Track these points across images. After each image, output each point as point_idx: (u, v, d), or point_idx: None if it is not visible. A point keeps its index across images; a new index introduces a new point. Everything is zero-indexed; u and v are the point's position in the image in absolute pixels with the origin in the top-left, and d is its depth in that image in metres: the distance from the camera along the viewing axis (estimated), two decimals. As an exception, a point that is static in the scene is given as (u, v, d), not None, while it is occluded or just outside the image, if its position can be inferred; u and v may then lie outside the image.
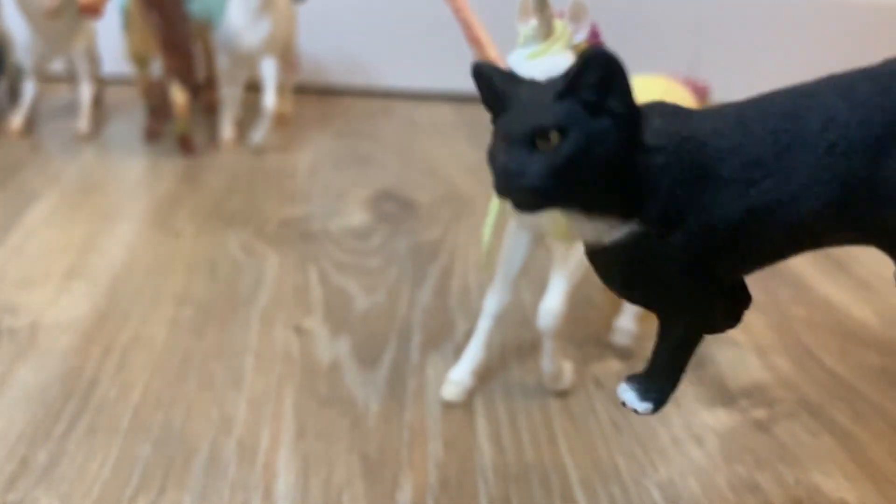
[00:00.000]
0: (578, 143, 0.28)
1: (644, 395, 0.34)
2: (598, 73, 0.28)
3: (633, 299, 0.34)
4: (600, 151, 0.28)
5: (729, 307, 0.34)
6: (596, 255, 0.32)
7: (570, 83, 0.29)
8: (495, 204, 0.49)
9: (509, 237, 0.53)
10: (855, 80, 0.30)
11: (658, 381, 0.34)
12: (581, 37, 0.43)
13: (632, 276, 0.31)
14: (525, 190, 0.29)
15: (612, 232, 0.30)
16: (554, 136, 0.28)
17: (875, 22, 1.26)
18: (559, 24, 0.43)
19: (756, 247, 0.30)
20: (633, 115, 0.29)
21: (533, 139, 0.29)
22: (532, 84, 0.31)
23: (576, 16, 0.43)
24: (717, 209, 0.29)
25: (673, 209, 0.29)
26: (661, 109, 0.31)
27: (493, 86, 0.32)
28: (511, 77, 0.32)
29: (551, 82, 0.30)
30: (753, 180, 0.29)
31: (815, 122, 0.29)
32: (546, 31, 0.42)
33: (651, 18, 1.25)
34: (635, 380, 0.34)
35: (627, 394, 0.34)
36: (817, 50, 1.27)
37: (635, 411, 0.34)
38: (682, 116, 0.31)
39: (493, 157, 0.30)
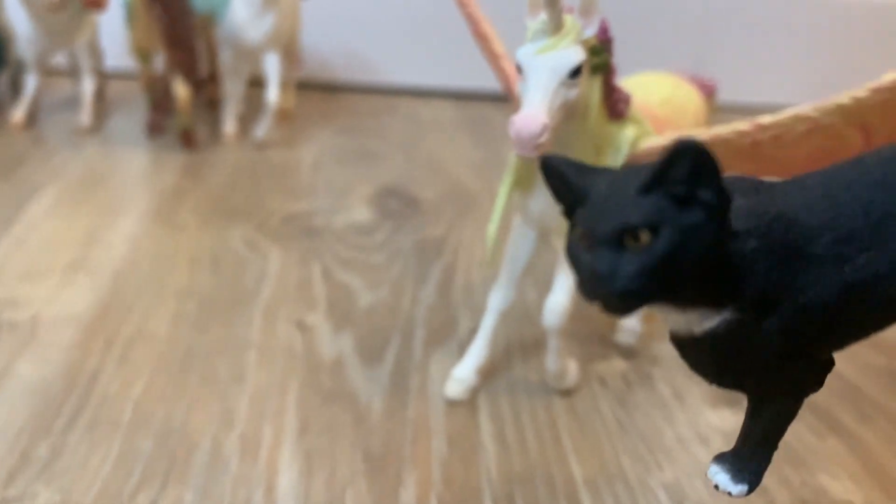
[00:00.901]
0: (672, 241, 0.26)
1: (738, 476, 0.32)
2: (688, 165, 0.26)
3: (725, 385, 0.31)
4: (695, 247, 0.26)
5: (819, 371, 0.32)
6: (685, 344, 0.30)
7: (657, 176, 0.27)
8: (501, 200, 0.49)
9: (514, 234, 0.53)
10: None
11: (751, 461, 0.32)
12: (591, 32, 0.43)
13: (726, 364, 0.30)
14: (618, 294, 0.27)
15: (704, 322, 0.29)
16: (644, 235, 0.26)
17: (879, 21, 1.25)
18: (569, 19, 0.42)
19: (853, 323, 0.29)
20: (725, 205, 0.27)
21: (621, 239, 0.27)
22: (610, 174, 0.29)
23: (586, 11, 0.42)
24: (812, 289, 0.28)
25: (769, 294, 0.28)
26: (741, 187, 0.29)
27: (566, 178, 0.30)
28: (584, 168, 0.30)
29: (633, 172, 0.28)
30: (848, 256, 0.28)
31: None
32: (556, 26, 0.42)
33: (659, 15, 1.24)
34: (727, 460, 0.33)
35: (719, 476, 0.32)
36: (822, 49, 1.27)
37: (729, 494, 0.32)
38: (765, 192, 0.29)
39: (575, 258, 0.29)
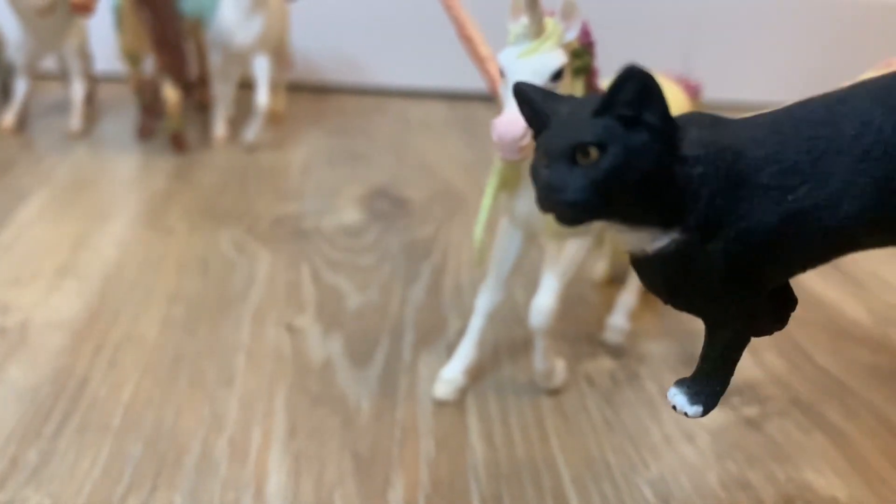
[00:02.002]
0: (617, 158, 0.29)
1: (694, 398, 0.34)
2: (635, 88, 0.29)
3: (678, 307, 0.34)
4: (639, 164, 0.29)
5: (775, 310, 0.34)
6: (640, 263, 0.33)
7: (608, 99, 0.30)
8: (487, 201, 0.49)
9: (501, 235, 0.53)
10: (889, 85, 0.30)
11: (708, 384, 0.34)
12: (572, 35, 0.43)
13: (676, 285, 0.32)
14: (567, 204, 0.30)
15: (654, 242, 0.31)
16: (593, 152, 0.29)
17: (865, 18, 1.26)
18: (550, 22, 0.43)
19: (795, 252, 0.31)
20: (669, 128, 0.30)
21: (573, 155, 0.30)
22: (571, 101, 0.32)
23: (567, 14, 0.43)
24: (755, 216, 0.30)
25: (712, 218, 0.30)
26: (699, 120, 0.32)
27: (534, 104, 0.33)
28: (551, 95, 0.33)
29: (591, 99, 0.31)
30: (790, 187, 0.30)
31: (850, 128, 0.30)
32: (537, 30, 0.42)
33: (644, 15, 1.25)
34: (685, 384, 0.35)
35: (678, 398, 0.34)
36: (807, 46, 1.27)
37: (685, 414, 0.34)
38: (719, 126, 0.31)
39: (535, 173, 0.32)
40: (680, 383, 0.35)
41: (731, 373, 0.34)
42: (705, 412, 0.34)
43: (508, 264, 0.53)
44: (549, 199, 0.30)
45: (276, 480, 0.46)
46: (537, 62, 0.42)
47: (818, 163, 0.30)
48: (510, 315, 0.64)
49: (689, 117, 0.32)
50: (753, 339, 0.34)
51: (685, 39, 1.27)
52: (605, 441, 0.51)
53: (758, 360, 0.61)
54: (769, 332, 0.36)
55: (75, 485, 0.44)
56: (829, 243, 0.31)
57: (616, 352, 0.61)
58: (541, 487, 0.47)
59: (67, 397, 0.51)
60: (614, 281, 0.69)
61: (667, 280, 0.32)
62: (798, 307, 0.34)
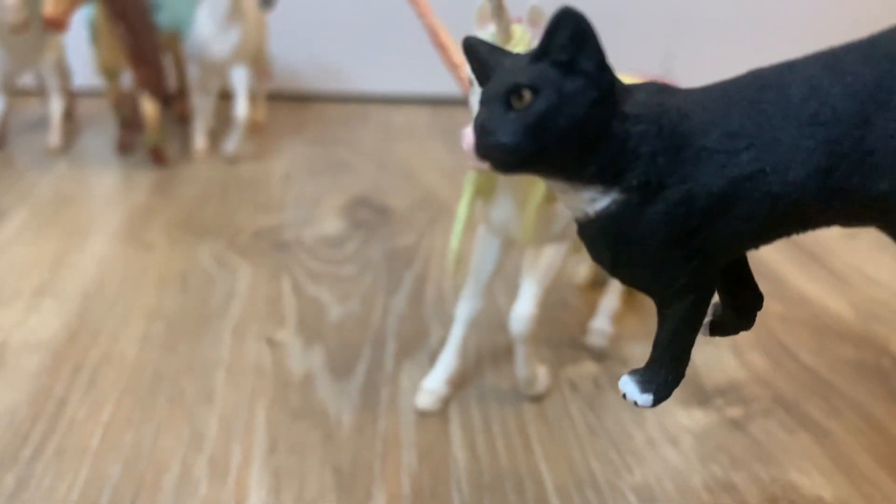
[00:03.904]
0: (549, 101, 0.29)
1: (645, 386, 0.33)
2: (568, 32, 0.29)
3: (622, 277, 0.33)
4: (572, 110, 0.29)
5: (740, 308, 0.34)
6: (584, 229, 0.32)
7: (544, 43, 0.29)
8: (463, 210, 0.49)
9: (479, 243, 0.53)
10: (840, 52, 0.30)
11: (659, 373, 0.33)
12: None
13: (618, 251, 0.31)
14: (499, 146, 0.30)
15: (595, 203, 0.31)
16: (527, 95, 0.29)
17: (850, 18, 1.26)
18: (518, 29, 0.42)
19: (741, 221, 0.30)
20: (605, 76, 0.30)
21: (508, 99, 0.30)
22: (516, 55, 0.32)
23: (534, 20, 0.42)
24: (698, 178, 0.29)
25: (654, 178, 0.30)
26: (648, 87, 0.31)
27: (480, 57, 0.33)
28: (497, 49, 0.33)
29: (529, 52, 0.31)
30: (736, 150, 0.29)
31: (798, 92, 0.29)
32: (504, 37, 0.42)
33: (625, 16, 1.25)
34: (637, 372, 0.34)
35: (628, 386, 0.34)
36: (791, 46, 1.27)
37: (635, 404, 0.33)
38: (668, 93, 0.31)
39: (475, 121, 0.31)
40: (632, 372, 0.34)
41: (684, 361, 0.34)
42: (656, 402, 0.33)
43: (487, 272, 0.53)
44: (483, 142, 0.30)
45: (257, 498, 0.45)
46: (505, 70, 0.41)
47: (764, 127, 0.29)
48: (493, 321, 0.63)
49: (640, 85, 0.32)
50: (736, 339, 0.34)
51: (667, 42, 1.27)
52: (589, 447, 0.51)
53: (741, 360, 0.61)
54: (734, 332, 0.35)
55: (53, 509, 0.44)
56: (777, 213, 0.30)
57: (599, 355, 0.61)
58: (524, 496, 0.46)
59: (45, 419, 0.51)
60: (596, 284, 0.69)
61: (608, 245, 0.32)
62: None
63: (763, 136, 0.29)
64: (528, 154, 0.30)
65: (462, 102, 1.23)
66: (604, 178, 0.30)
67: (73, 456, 0.48)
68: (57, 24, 0.78)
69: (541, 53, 0.30)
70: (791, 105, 0.29)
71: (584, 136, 0.29)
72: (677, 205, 0.30)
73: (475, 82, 0.42)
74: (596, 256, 0.33)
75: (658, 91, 0.31)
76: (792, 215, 0.30)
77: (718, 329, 0.36)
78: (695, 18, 1.27)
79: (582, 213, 0.32)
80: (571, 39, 0.29)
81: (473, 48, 0.33)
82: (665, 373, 0.33)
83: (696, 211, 0.30)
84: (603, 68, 0.30)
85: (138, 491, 0.45)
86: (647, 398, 0.33)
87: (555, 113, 0.29)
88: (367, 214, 0.84)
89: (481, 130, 0.30)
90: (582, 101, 0.29)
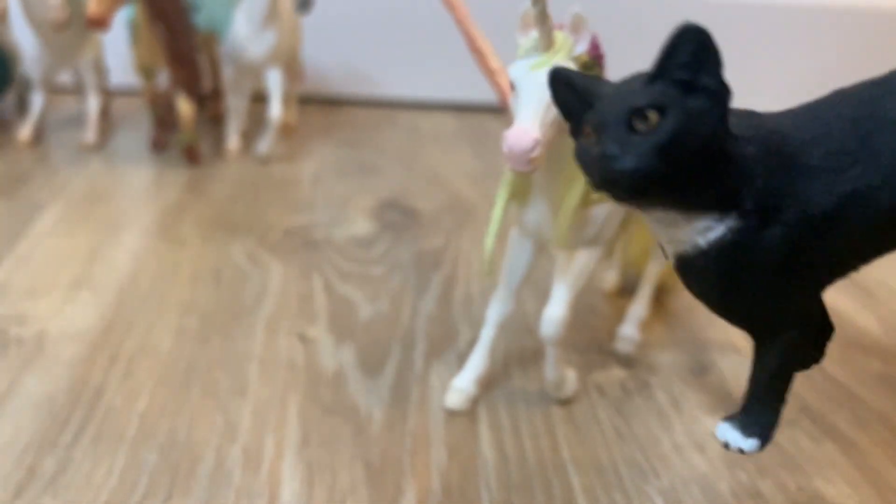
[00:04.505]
0: (679, 121, 0.27)
1: (749, 431, 0.32)
2: (690, 49, 0.28)
3: (730, 313, 0.32)
4: (701, 130, 0.28)
5: (815, 337, 0.33)
6: (691, 264, 0.31)
7: (662, 62, 0.28)
8: (498, 213, 0.50)
9: (512, 246, 0.54)
10: None
11: (763, 414, 0.32)
12: (582, 48, 0.44)
13: (730, 283, 0.30)
14: (627, 172, 0.28)
15: (708, 232, 0.30)
16: (652, 116, 0.28)
17: (852, 28, 1.26)
18: (560, 36, 0.43)
19: (851, 236, 0.30)
20: (727, 93, 0.29)
21: (629, 121, 0.28)
22: (615, 83, 0.31)
23: (576, 27, 0.43)
24: (811, 198, 0.29)
25: (770, 199, 0.29)
26: (735, 110, 0.31)
27: (574, 85, 0.31)
28: (590, 78, 0.32)
29: (638, 75, 0.30)
30: (841, 168, 0.29)
31: (892, 106, 0.29)
32: (546, 43, 0.43)
33: (651, 29, 1.25)
34: (735, 418, 0.32)
35: (729, 433, 0.32)
36: (807, 57, 1.27)
37: (741, 451, 0.32)
38: (755, 116, 0.31)
39: (585, 155, 0.30)
40: (730, 418, 0.32)
41: (784, 399, 0.32)
42: (762, 446, 0.32)
43: (519, 275, 0.54)
44: (607, 170, 0.28)
45: (290, 489, 0.46)
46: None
47: (865, 142, 0.29)
48: (521, 325, 0.64)
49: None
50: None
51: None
52: (616, 450, 0.51)
53: (768, 369, 0.61)
54: (809, 365, 0.33)
55: (91, 493, 0.45)
56: (885, 226, 0.29)
57: (626, 362, 0.61)
58: (551, 496, 0.47)
59: (83, 407, 0.52)
60: (625, 291, 0.70)
61: (721, 278, 0.30)
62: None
63: (865, 151, 0.29)
64: (658, 177, 0.28)
65: (489, 109, 1.25)
66: (722, 203, 0.29)
67: (110, 443, 0.49)
68: (100, 23, 0.79)
69: (659, 73, 0.28)
70: (889, 118, 0.29)
71: (709, 156, 0.28)
72: (794, 226, 0.29)
73: (518, 86, 0.43)
74: (699, 291, 0.31)
75: (746, 115, 0.30)
76: None
77: None
78: (718, 26, 1.27)
79: (691, 246, 0.30)
80: (694, 56, 0.28)
81: (567, 77, 0.32)
82: (769, 414, 0.32)
83: (815, 231, 0.29)
84: (723, 85, 0.28)
85: (174, 478, 0.46)
86: (753, 443, 0.32)
87: (685, 132, 0.27)
88: (396, 216, 0.85)
89: (604, 159, 0.28)
90: (709, 119, 0.28)
